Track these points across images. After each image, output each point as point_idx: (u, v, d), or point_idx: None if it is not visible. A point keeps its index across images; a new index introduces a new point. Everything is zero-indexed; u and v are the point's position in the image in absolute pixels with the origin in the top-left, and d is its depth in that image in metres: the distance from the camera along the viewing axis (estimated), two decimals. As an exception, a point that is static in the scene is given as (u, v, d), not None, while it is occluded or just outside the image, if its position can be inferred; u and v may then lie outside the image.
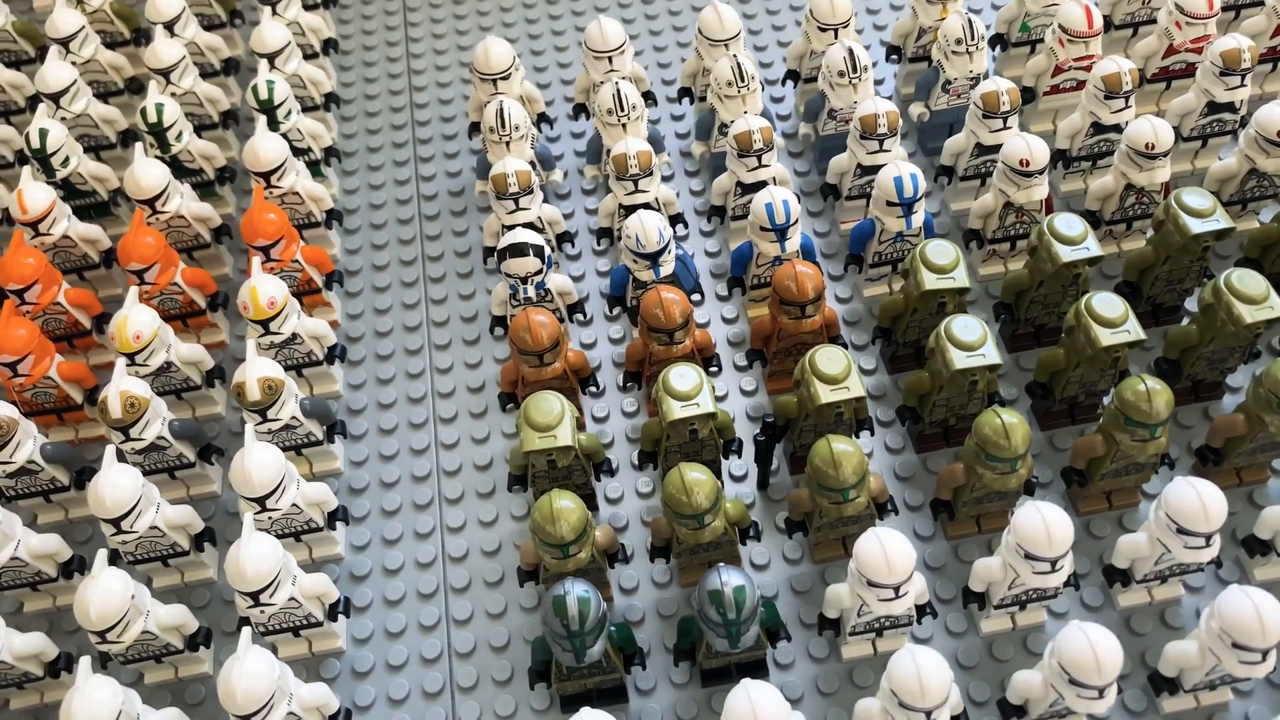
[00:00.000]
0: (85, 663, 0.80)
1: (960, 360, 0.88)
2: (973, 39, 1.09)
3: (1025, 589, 0.85)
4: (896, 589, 0.80)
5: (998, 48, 1.24)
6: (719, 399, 1.05)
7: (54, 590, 0.97)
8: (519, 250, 0.98)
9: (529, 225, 1.05)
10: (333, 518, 0.97)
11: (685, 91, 1.22)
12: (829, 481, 0.84)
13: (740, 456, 0.98)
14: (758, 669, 0.89)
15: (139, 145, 1.11)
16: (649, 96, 1.20)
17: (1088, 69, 1.13)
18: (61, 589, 0.97)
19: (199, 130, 1.22)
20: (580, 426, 1.03)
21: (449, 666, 0.93)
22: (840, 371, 0.88)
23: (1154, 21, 1.20)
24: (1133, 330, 0.89)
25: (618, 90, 1.07)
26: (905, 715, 0.75)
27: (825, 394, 0.88)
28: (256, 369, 0.93)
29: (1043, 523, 0.79)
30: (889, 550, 0.79)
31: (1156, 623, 0.91)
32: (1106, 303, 0.90)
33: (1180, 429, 1.00)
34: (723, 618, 0.78)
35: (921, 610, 0.86)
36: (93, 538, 1.02)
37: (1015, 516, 0.80)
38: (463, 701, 0.91)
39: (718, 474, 0.98)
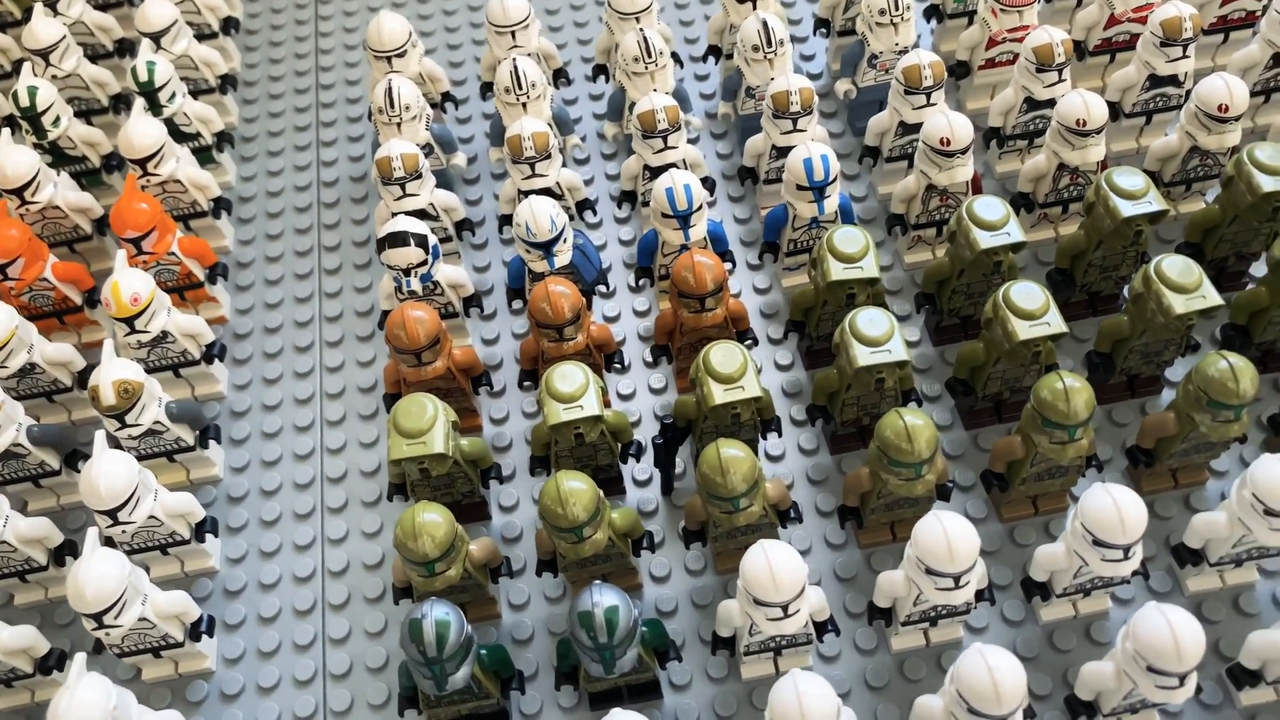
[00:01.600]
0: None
1: (864, 357, 0.82)
2: (897, 9, 1.02)
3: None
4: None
5: (933, 20, 1.17)
6: (626, 397, 0.99)
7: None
8: (399, 240, 0.91)
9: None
10: (200, 529, 0.90)
11: (600, 69, 1.14)
12: (717, 489, 0.77)
13: (639, 460, 0.91)
14: (647, 690, 0.82)
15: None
16: (561, 75, 1.13)
17: (1021, 40, 1.06)
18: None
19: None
20: (476, 429, 0.97)
21: (323, 689, 0.87)
22: (735, 370, 0.81)
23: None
24: (1053, 323, 0.82)
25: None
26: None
27: (719, 394, 0.81)
28: (111, 371, 0.86)
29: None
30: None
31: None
32: (1026, 293, 0.84)
33: (1115, 426, 0.93)
34: (593, 641, 0.72)
35: (821, 627, 0.80)
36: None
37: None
38: (335, 730, 0.85)
39: (618, 480, 0.92)
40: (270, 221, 1.14)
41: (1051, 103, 1.00)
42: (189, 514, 0.89)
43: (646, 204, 1.04)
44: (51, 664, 0.85)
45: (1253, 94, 1.04)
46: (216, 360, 1.00)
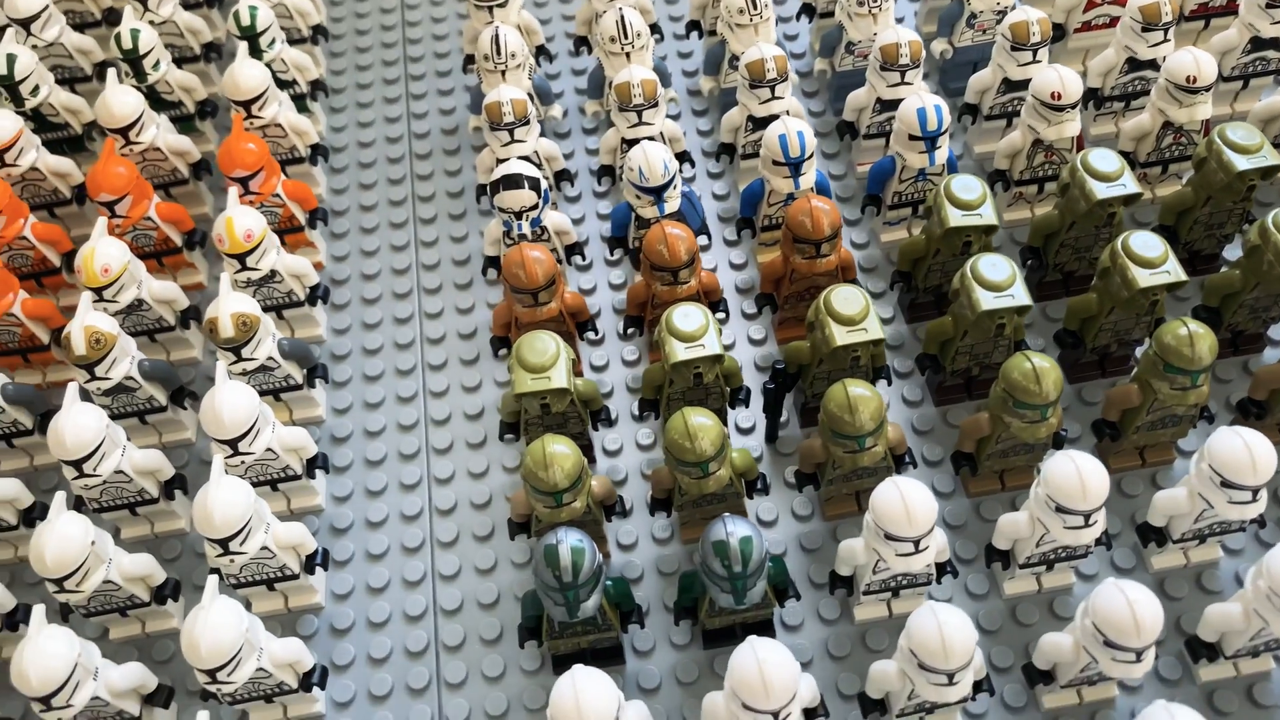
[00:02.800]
0: (38, 612, 0.74)
1: (987, 301, 0.82)
2: (1000, -33, 1.02)
3: (1054, 546, 0.79)
4: (916, 543, 0.74)
5: (1025, -15, 1.17)
6: (726, 348, 0.99)
7: (13, 540, 0.91)
8: (513, 182, 0.92)
9: (525, 159, 0.98)
10: (312, 465, 0.91)
11: (694, 25, 1.15)
12: (844, 427, 0.78)
13: (748, 406, 0.92)
14: (763, 629, 0.83)
15: (111, 71, 1.04)
16: (655, 30, 1.13)
17: (1121, 3, 1.06)
18: (21, 538, 0.91)
19: (179, 62, 1.16)
20: (577, 374, 0.97)
21: (434, 623, 0.87)
22: (858, 312, 0.82)
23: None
24: (1173, 271, 0.83)
25: (621, 17, 1.01)
26: (926, 677, 0.69)
27: (841, 335, 0.82)
28: (230, 304, 0.87)
29: (1076, 473, 0.72)
30: (909, 500, 0.72)
31: (1192, 586, 0.84)
32: (1145, 242, 0.84)
33: (1085, 405, 0.93)
34: (727, 570, 0.72)
35: (941, 569, 0.80)
36: (57, 485, 0.96)
37: (1046, 467, 0.74)
38: (448, 661, 0.85)
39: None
40: (362, 171, 1.15)
41: (1153, 63, 1.01)
42: (302, 448, 0.89)
43: (746, 156, 1.04)
44: (18, 619, 0.84)
45: (1230, 79, 1.04)
46: (320, 303, 1.00)
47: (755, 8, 1.01)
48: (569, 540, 0.73)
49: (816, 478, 0.86)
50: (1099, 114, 1.07)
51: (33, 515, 0.90)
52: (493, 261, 1.00)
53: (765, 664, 0.66)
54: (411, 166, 1.15)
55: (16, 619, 0.85)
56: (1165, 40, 0.97)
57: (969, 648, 0.68)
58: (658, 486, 0.85)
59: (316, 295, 1.00)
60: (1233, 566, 0.85)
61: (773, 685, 0.65)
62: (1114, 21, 1.09)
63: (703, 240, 1.04)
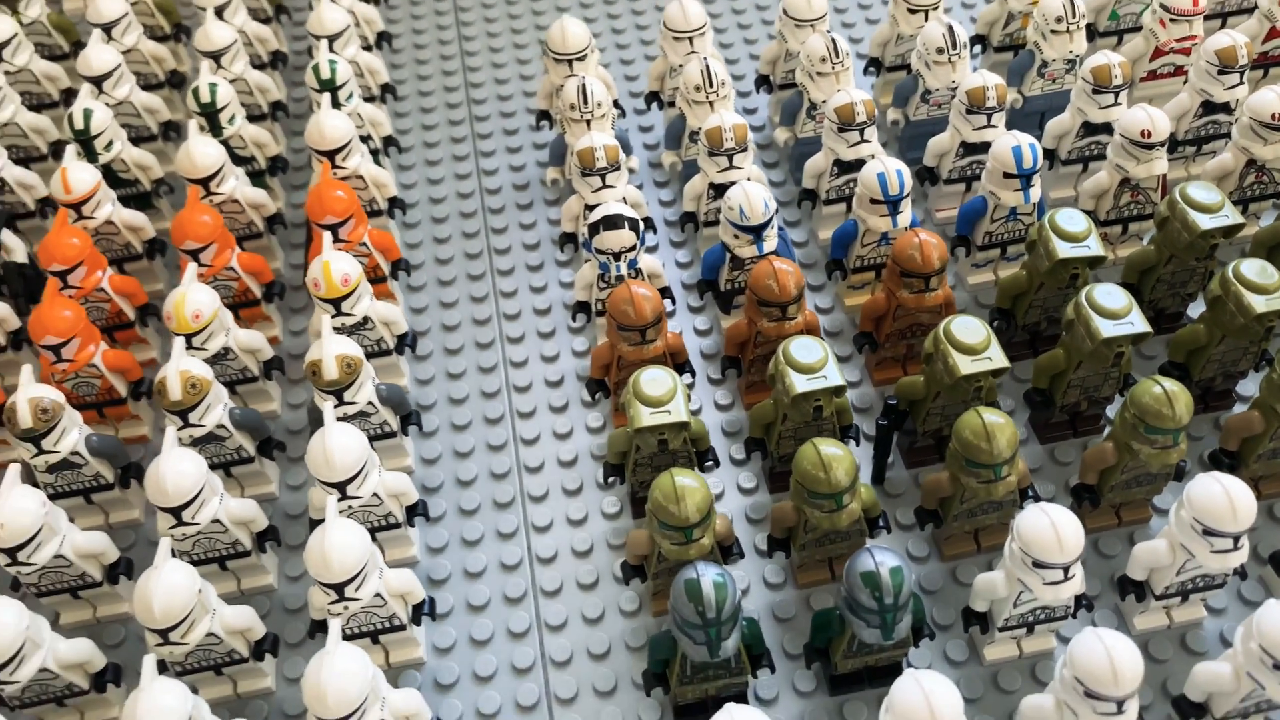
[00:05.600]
0: (150, 662, 0.70)
1: (1107, 329, 0.81)
2: (1073, 17, 1.04)
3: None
4: (1066, 569, 0.71)
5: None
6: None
7: (96, 598, 0.87)
8: (613, 223, 0.91)
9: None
10: (412, 512, 0.87)
11: (763, 80, 1.16)
12: (980, 456, 0.76)
13: (859, 444, 0.90)
14: (892, 674, 0.79)
15: (192, 123, 1.03)
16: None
17: (1187, 52, 1.09)
18: (105, 596, 0.87)
19: (255, 119, 1.15)
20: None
21: (544, 677, 0.83)
22: (981, 341, 0.81)
23: (1246, 11, 1.16)
24: (1136, 323, 0.81)
25: (707, 66, 1.02)
26: (1092, 706, 0.66)
27: (966, 365, 0.80)
28: (335, 346, 0.84)
29: (1050, 525, 0.70)
30: (1059, 525, 0.71)
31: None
32: (1256, 268, 0.84)
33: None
34: (878, 603, 0.70)
35: (1078, 601, 0.78)
36: (136, 543, 0.92)
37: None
38: (562, 714, 0.81)
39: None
40: (436, 225, 1.14)
41: (1227, 106, 1.03)
42: (404, 494, 0.86)
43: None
44: (107, 679, 0.80)
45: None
46: (410, 350, 0.98)
47: (837, 56, 1.02)
48: (710, 574, 0.70)
49: (938, 515, 0.84)
50: (1171, 159, 1.08)
51: (117, 572, 0.86)
52: (582, 307, 0.99)
53: (932, 695, 0.63)
54: (485, 220, 1.14)
55: (106, 679, 0.80)
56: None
57: (1139, 672, 0.65)
58: (777, 525, 0.82)
59: (405, 343, 0.98)
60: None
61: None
62: (1179, 70, 1.11)
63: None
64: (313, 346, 0.85)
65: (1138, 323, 0.82)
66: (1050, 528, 0.71)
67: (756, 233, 0.92)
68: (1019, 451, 0.79)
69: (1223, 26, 1.18)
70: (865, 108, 0.97)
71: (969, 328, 0.82)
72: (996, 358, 0.81)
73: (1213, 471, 0.74)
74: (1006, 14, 1.14)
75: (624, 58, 1.30)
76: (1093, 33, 1.18)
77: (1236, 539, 0.73)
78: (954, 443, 0.78)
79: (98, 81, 1.10)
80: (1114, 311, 0.82)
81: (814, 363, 0.81)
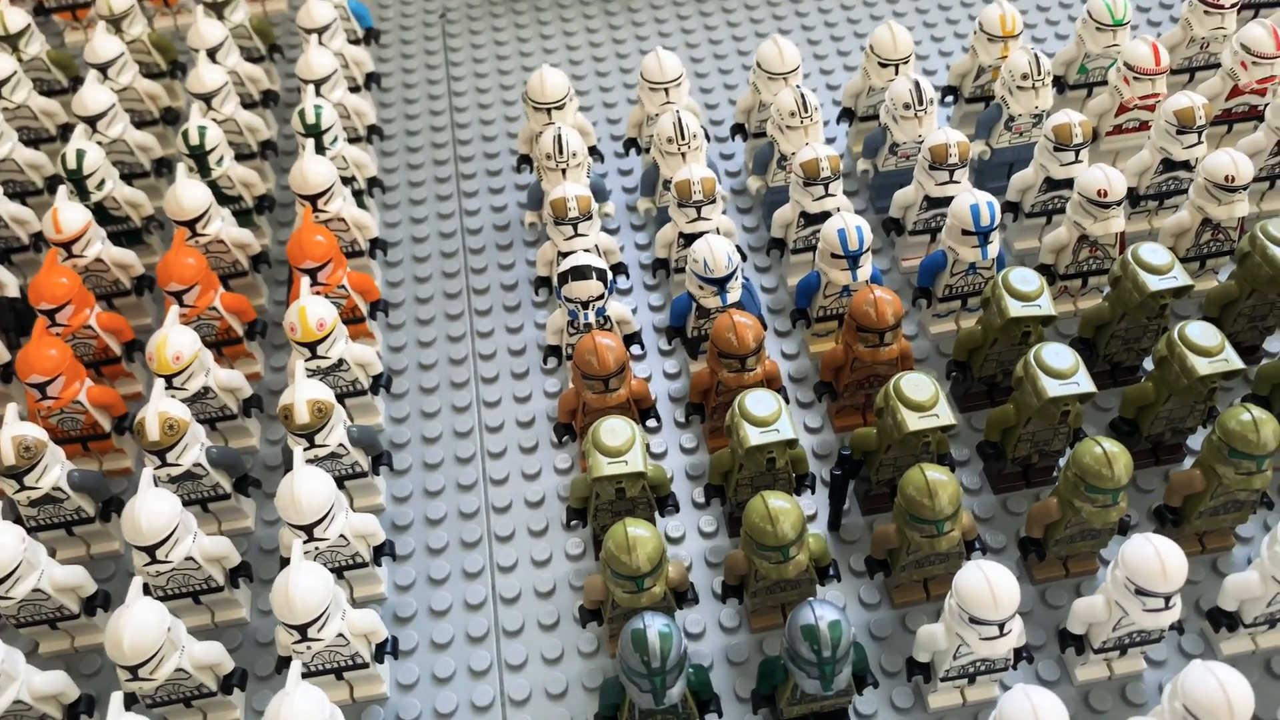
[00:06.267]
0: (116, 699, 0.73)
1: (1054, 389, 0.84)
2: (1039, 74, 1.07)
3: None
4: (1001, 626, 0.74)
5: (1054, 90, 1.22)
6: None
7: (73, 629, 0.90)
8: (581, 273, 0.94)
9: (587, 252, 1.01)
10: (379, 553, 0.90)
11: (738, 129, 1.19)
12: (924, 512, 0.79)
13: (814, 492, 0.93)
14: (839, 718, 0.82)
15: (181, 166, 1.07)
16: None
17: (1151, 108, 1.12)
18: (82, 627, 0.90)
19: (238, 159, 1.19)
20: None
21: (502, 715, 0.86)
22: (929, 398, 0.84)
23: (1213, 66, 1.18)
24: (1230, 359, 0.85)
25: (678, 118, 1.05)
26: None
27: (913, 421, 0.83)
28: (306, 391, 0.87)
29: (986, 583, 0.73)
30: (994, 583, 0.73)
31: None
32: (1202, 331, 0.87)
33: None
34: (817, 655, 0.72)
35: (1018, 654, 0.80)
36: (115, 574, 0.96)
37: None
38: (518, 753, 0.84)
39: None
40: (417, 265, 1.17)
41: (1187, 164, 1.05)
42: (371, 535, 0.89)
43: (797, 250, 1.07)
44: (80, 710, 0.83)
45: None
46: (384, 391, 1.02)
47: (805, 110, 1.05)
48: (656, 625, 0.73)
49: (887, 564, 0.87)
50: (1134, 212, 1.11)
51: (94, 604, 0.89)
52: (553, 351, 1.02)
53: (1039, 708, 0.68)
54: (466, 261, 1.17)
55: (79, 710, 0.83)
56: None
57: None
58: (730, 573, 0.85)
59: (379, 384, 1.01)
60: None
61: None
62: (1144, 125, 1.14)
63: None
64: (285, 391, 0.88)
65: (1083, 383, 0.84)
66: (986, 586, 0.73)
67: (720, 284, 0.95)
68: (967, 504, 0.82)
69: (1190, 82, 1.21)
70: (830, 163, 1.00)
71: (918, 385, 0.84)
72: (944, 415, 0.83)
73: (1147, 533, 0.76)
74: (977, 67, 1.17)
75: (608, 100, 1.33)
76: (1062, 86, 1.21)
77: (1168, 598, 0.75)
78: (899, 498, 0.81)
79: (92, 121, 1.13)
80: (1061, 371, 0.85)
81: (768, 416, 0.84)
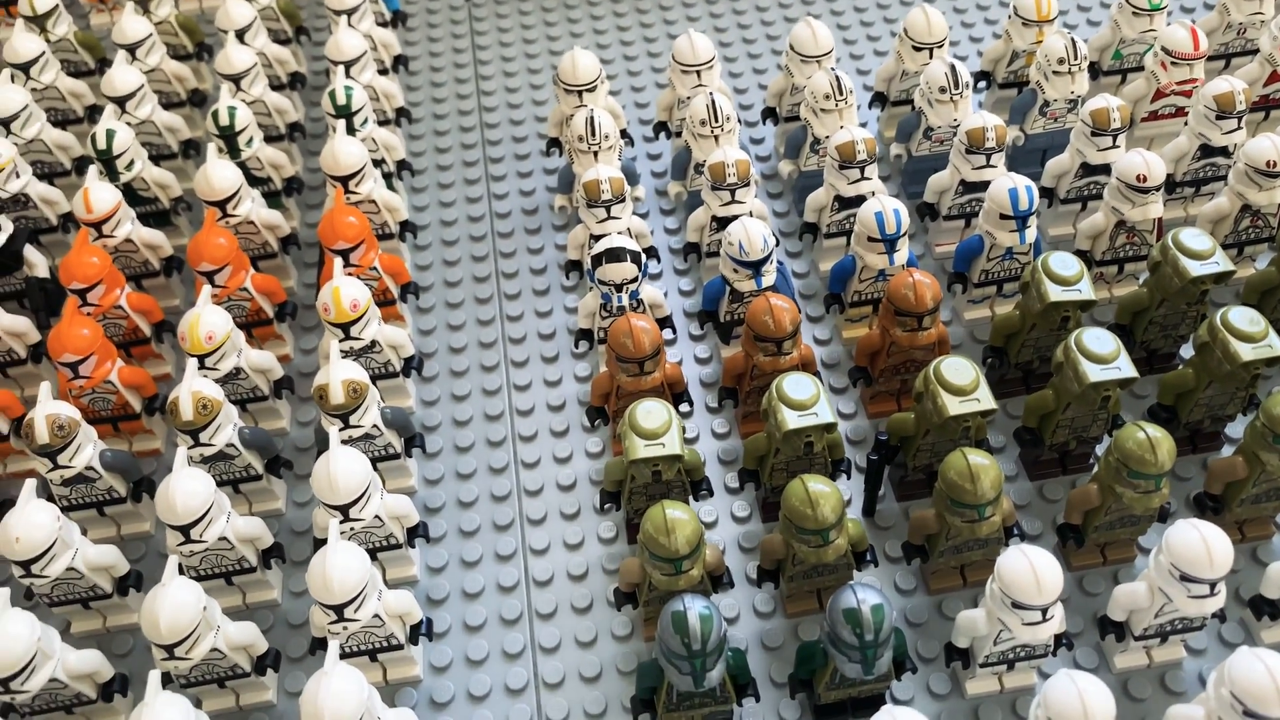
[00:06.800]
0: (155, 678, 0.73)
1: (1095, 374, 0.83)
2: (1075, 59, 1.06)
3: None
4: (1044, 610, 0.73)
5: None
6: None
7: (106, 609, 0.90)
8: (616, 255, 0.93)
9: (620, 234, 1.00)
10: (413, 534, 0.90)
11: (769, 112, 1.18)
12: (965, 496, 0.78)
13: (849, 478, 0.92)
14: (875, 705, 0.81)
15: (211, 146, 1.06)
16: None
17: (1188, 94, 1.10)
18: (114, 607, 0.90)
19: (266, 141, 1.18)
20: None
21: (536, 699, 0.85)
22: (969, 382, 0.83)
23: (1250, 53, 1.17)
24: (1124, 368, 0.83)
25: (712, 101, 1.04)
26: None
27: (954, 406, 0.82)
28: (341, 371, 0.87)
29: (1030, 568, 0.72)
30: (1039, 568, 0.73)
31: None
32: (1245, 316, 0.86)
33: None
34: (859, 639, 0.72)
35: (1059, 640, 0.80)
36: (146, 554, 0.95)
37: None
38: (553, 736, 0.84)
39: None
40: (446, 248, 1.17)
41: (1225, 150, 1.04)
42: (405, 516, 0.89)
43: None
44: (115, 689, 0.83)
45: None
46: (415, 373, 1.01)
47: (840, 93, 1.04)
48: (696, 607, 0.72)
49: (925, 550, 0.86)
50: (1169, 199, 1.10)
51: (126, 584, 0.89)
52: (585, 334, 1.01)
53: (1085, 694, 0.68)
54: (494, 244, 1.17)
55: (114, 689, 0.83)
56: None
57: (1110, 716, 0.67)
58: (766, 556, 0.84)
59: (411, 366, 1.00)
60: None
61: None
62: (1180, 111, 1.12)
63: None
64: (320, 371, 0.88)
65: (1125, 368, 0.83)
66: (1030, 570, 0.72)
67: (755, 268, 0.94)
68: (1005, 490, 0.81)
69: (1226, 68, 1.20)
70: (866, 146, 0.99)
71: (958, 369, 0.84)
72: (984, 399, 0.83)
73: (1191, 519, 0.75)
74: (1011, 52, 1.16)
75: (635, 84, 1.33)
76: (1096, 71, 1.20)
77: (1213, 585, 0.74)
78: (940, 482, 0.80)
79: (121, 102, 1.13)
80: (1102, 356, 0.84)
81: (806, 399, 0.83)
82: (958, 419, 0.83)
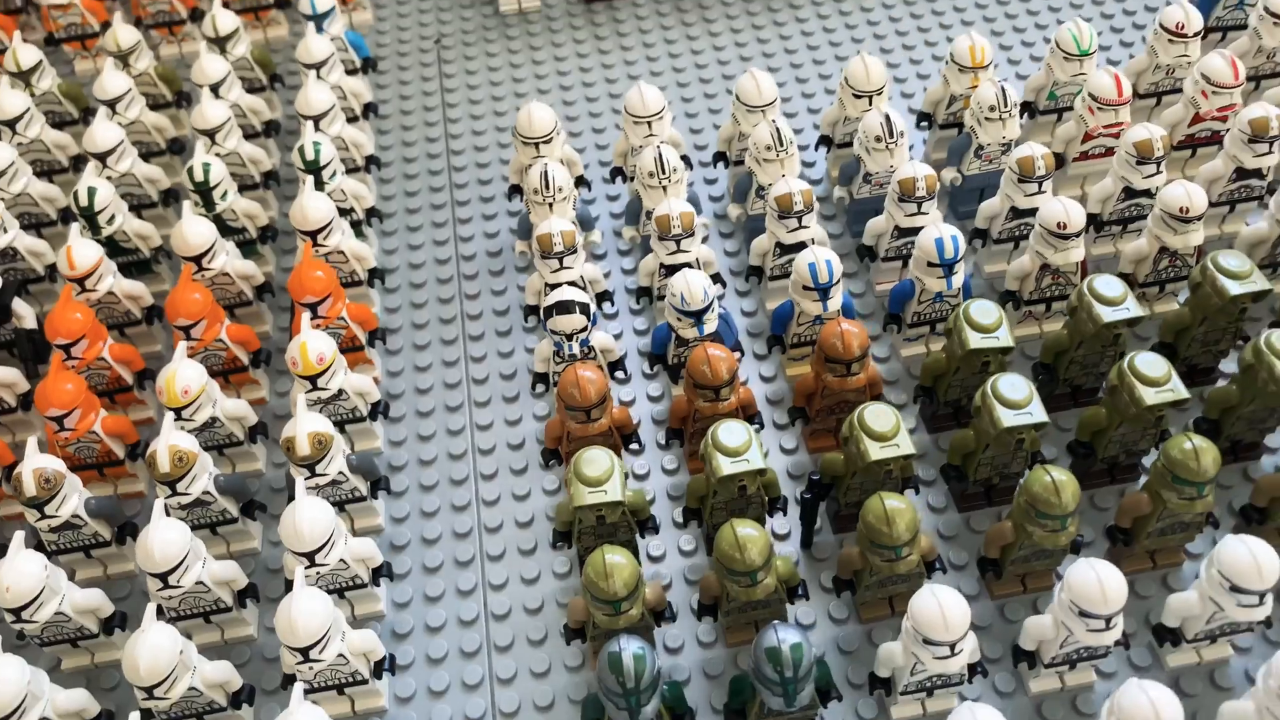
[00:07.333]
0: (134, 718, 0.79)
1: (1008, 419, 0.89)
2: (1005, 106, 1.12)
3: (1077, 647, 0.84)
4: (953, 646, 0.79)
5: (1025, 115, 1.27)
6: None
7: (93, 647, 0.96)
8: (565, 308, 0.99)
9: (572, 284, 1.06)
10: (377, 574, 0.96)
11: (720, 156, 1.24)
12: (882, 539, 0.84)
13: (785, 514, 0.98)
14: (805, 731, 0.88)
15: (186, 204, 1.12)
16: (685, 160, 1.22)
17: (1116, 135, 1.16)
18: (101, 645, 0.96)
19: (241, 190, 1.24)
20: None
21: (493, 726, 0.92)
22: (890, 429, 0.89)
23: (1178, 91, 1.23)
24: (1176, 389, 0.90)
25: (659, 154, 1.10)
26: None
27: (875, 451, 0.88)
28: (306, 424, 0.93)
29: (1097, 580, 0.79)
30: (946, 607, 0.79)
31: (1206, 683, 0.90)
32: (1149, 362, 0.91)
33: (1096, 510, 1.00)
34: (779, 675, 0.78)
35: (973, 669, 0.86)
36: (131, 594, 1.02)
37: (1069, 574, 0.80)
38: (508, 762, 0.90)
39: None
40: (414, 291, 1.22)
41: (1148, 192, 1.10)
42: (369, 558, 0.95)
43: (774, 277, 1.12)
44: (243, 698, 0.90)
45: (1218, 204, 1.13)
46: (381, 417, 1.07)
47: (781, 144, 1.10)
48: (631, 648, 0.79)
49: (853, 584, 0.92)
50: (1098, 237, 1.16)
51: (112, 624, 0.95)
52: (541, 378, 1.07)
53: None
54: (460, 286, 1.23)
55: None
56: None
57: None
58: (705, 593, 0.90)
59: (378, 411, 1.06)
60: (1242, 664, 0.91)
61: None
62: (1110, 151, 1.18)
63: (737, 355, 1.11)
64: (288, 424, 0.94)
65: (1036, 413, 0.89)
66: (938, 609, 0.79)
67: (696, 317, 1.00)
68: (930, 523, 0.87)
69: (1157, 105, 1.25)
70: (803, 197, 1.05)
71: (880, 415, 0.90)
72: (904, 445, 0.89)
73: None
74: (949, 95, 1.22)
75: (596, 126, 1.38)
76: (1034, 111, 1.25)
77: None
78: (860, 524, 0.86)
79: (102, 157, 1.19)
80: (1016, 402, 0.90)
81: (739, 446, 0.89)
82: (879, 463, 0.89)
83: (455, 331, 1.19)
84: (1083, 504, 1.00)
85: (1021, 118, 1.27)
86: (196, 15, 1.48)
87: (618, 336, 1.17)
